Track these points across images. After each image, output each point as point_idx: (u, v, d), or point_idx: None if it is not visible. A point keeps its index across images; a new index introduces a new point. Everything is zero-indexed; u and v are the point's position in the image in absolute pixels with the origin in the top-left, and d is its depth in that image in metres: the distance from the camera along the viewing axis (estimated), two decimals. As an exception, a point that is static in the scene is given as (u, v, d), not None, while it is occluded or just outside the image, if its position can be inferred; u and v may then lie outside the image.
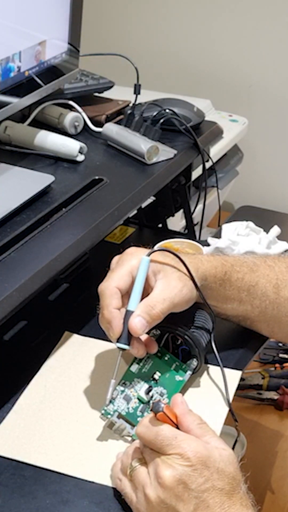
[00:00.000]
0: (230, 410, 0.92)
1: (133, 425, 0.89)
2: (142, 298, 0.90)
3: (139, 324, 0.88)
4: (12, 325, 1.07)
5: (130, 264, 0.91)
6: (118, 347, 0.89)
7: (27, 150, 1.22)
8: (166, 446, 0.77)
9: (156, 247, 1.09)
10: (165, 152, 1.24)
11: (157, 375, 0.92)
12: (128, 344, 0.89)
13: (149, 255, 0.91)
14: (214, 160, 1.50)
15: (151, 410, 0.79)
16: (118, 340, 0.89)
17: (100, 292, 0.90)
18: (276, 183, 2.54)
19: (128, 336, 0.88)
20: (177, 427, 0.80)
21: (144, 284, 0.90)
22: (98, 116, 1.32)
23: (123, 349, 0.89)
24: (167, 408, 0.79)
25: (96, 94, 1.39)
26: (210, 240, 1.20)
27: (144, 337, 0.92)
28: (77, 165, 1.20)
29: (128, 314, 0.89)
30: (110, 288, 0.89)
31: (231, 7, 2.38)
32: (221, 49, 2.44)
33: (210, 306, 0.96)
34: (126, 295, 0.90)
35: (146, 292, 0.90)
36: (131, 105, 1.33)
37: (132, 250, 0.94)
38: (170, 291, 0.90)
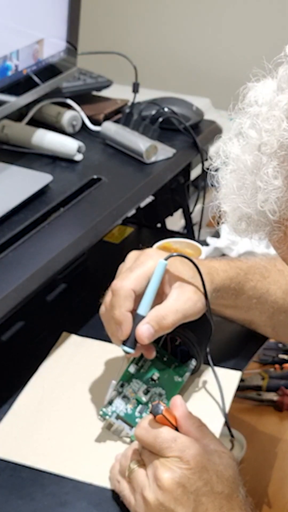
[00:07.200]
0: (226, 421, 0.91)
1: (131, 426, 0.88)
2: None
3: (146, 332, 0.86)
4: (10, 325, 1.07)
5: (148, 266, 0.89)
6: (124, 350, 0.88)
7: (25, 149, 1.21)
8: (165, 449, 0.76)
9: (154, 247, 1.08)
10: (164, 151, 1.24)
11: (155, 376, 0.92)
12: (133, 348, 0.87)
13: (166, 259, 0.89)
14: (213, 159, 1.49)
15: (150, 412, 0.78)
16: (124, 343, 0.87)
17: (114, 290, 0.88)
18: (275, 183, 2.53)
19: (134, 340, 0.87)
20: (177, 429, 0.79)
21: (158, 289, 0.88)
22: (97, 115, 1.31)
23: (127, 352, 0.88)
24: (166, 411, 0.78)
25: (94, 92, 1.39)
26: (209, 239, 1.19)
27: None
28: (75, 164, 1.20)
29: (137, 317, 0.87)
30: (125, 289, 0.87)
31: (230, 5, 2.37)
32: (220, 47, 2.44)
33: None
34: (138, 297, 0.88)
35: (158, 295, 0.89)
36: (129, 104, 1.33)
37: (152, 252, 0.92)
38: (184, 302, 0.89)
